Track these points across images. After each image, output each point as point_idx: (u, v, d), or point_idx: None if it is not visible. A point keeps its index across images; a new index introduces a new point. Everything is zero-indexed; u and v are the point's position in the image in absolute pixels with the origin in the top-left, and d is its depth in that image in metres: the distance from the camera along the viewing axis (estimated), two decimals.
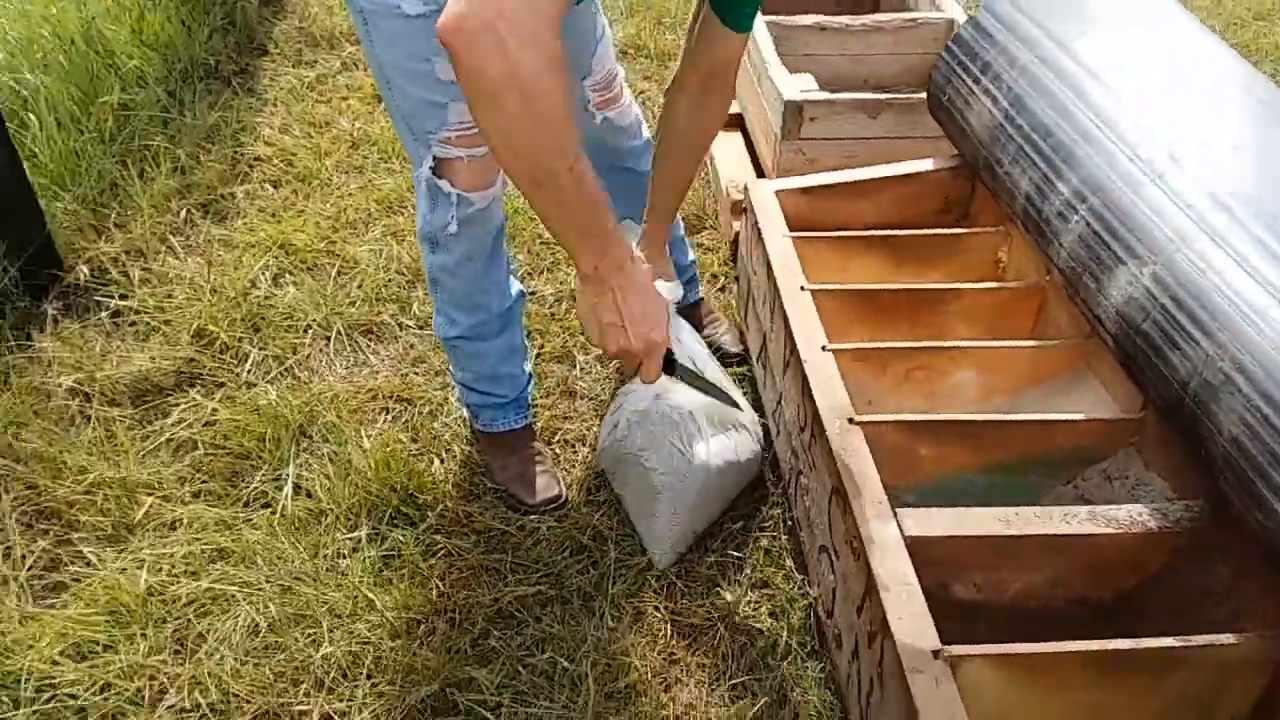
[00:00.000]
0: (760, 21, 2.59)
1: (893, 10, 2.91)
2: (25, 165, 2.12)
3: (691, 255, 2.05)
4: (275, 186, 2.54)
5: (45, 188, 2.26)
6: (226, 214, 2.42)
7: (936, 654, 1.14)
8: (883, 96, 2.25)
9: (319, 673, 1.47)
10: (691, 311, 2.04)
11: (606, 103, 1.71)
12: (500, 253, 1.66)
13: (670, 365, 1.37)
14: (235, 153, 2.62)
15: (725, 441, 1.70)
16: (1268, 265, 1.23)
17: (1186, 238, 1.32)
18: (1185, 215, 1.34)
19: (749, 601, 1.61)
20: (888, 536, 1.28)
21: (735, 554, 1.67)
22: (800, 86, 2.30)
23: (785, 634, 1.55)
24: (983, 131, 1.77)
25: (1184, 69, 1.58)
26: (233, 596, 1.54)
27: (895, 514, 1.30)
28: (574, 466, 1.84)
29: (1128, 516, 1.30)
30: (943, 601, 1.34)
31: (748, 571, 1.65)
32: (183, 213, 2.38)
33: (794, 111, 2.24)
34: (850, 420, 1.44)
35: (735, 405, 1.69)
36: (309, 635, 1.51)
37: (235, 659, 1.47)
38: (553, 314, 2.17)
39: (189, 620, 1.53)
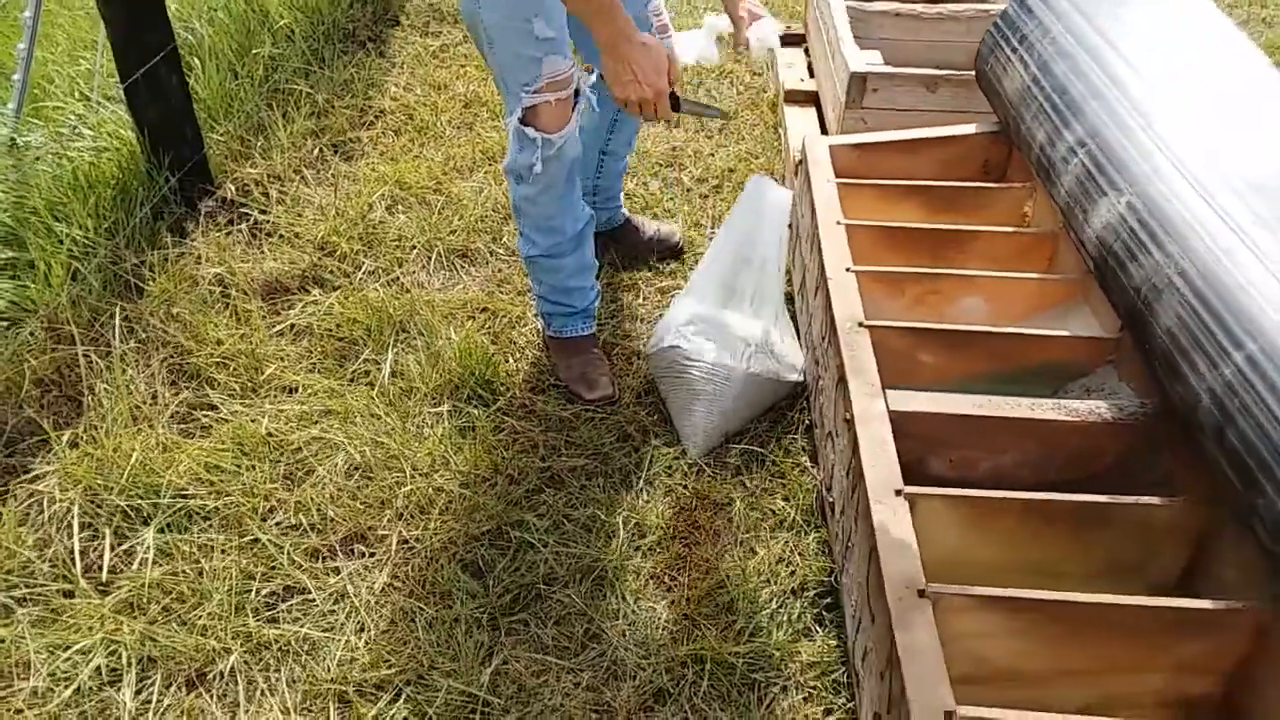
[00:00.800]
0: (841, 4, 2.82)
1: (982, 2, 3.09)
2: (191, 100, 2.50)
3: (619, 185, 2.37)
4: (396, 135, 2.89)
5: (204, 120, 2.65)
6: (352, 154, 2.78)
7: (898, 492, 1.36)
8: (941, 72, 2.45)
9: (400, 506, 1.77)
10: (627, 226, 2.41)
11: (662, 28, 2.00)
12: (574, 182, 1.94)
13: (676, 102, 1.69)
14: (364, 104, 2.98)
15: (766, 360, 1.94)
16: (1226, 195, 1.41)
17: (1161, 174, 1.50)
18: (1164, 156, 1.53)
19: (765, 489, 1.85)
20: (875, 411, 1.50)
21: (760, 449, 1.91)
22: (867, 60, 2.53)
23: (793, 513, 1.78)
24: (1014, 94, 1.97)
25: (1192, 43, 1.75)
26: (335, 443, 1.86)
27: (884, 393, 1.53)
28: (628, 375, 2.10)
29: (1087, 408, 1.49)
30: (920, 475, 1.56)
31: (768, 464, 1.89)
32: (316, 150, 2.75)
33: (858, 81, 2.46)
34: (860, 324, 1.67)
35: (724, 114, 1.96)
36: (395, 478, 1.81)
37: (333, 490, 1.79)
38: (628, 254, 2.44)
39: (299, 459, 1.85)
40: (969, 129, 2.20)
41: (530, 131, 1.76)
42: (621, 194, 2.38)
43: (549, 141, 1.78)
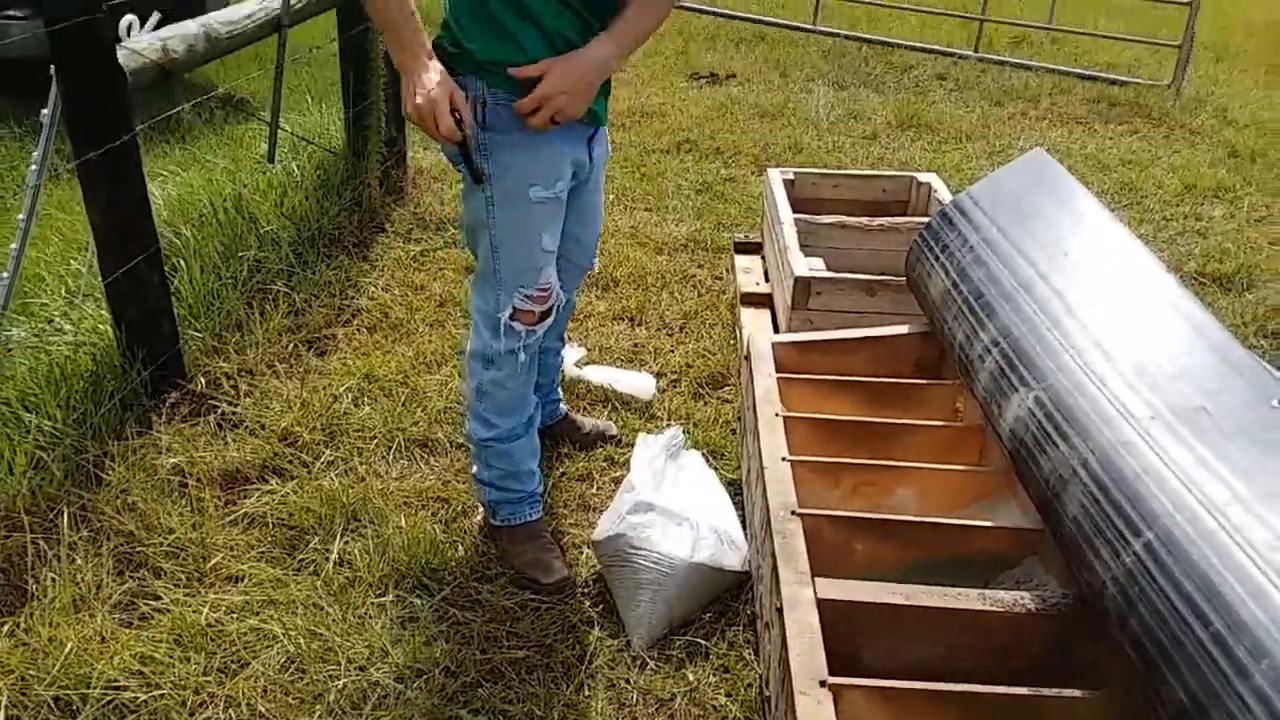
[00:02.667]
0: (789, 216, 3.03)
1: (917, 215, 3.33)
2: (173, 299, 2.64)
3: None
4: (370, 331, 3.02)
5: (183, 316, 2.78)
6: (326, 350, 2.90)
7: (823, 683, 1.36)
8: (879, 277, 2.61)
9: (332, 701, 1.74)
10: (566, 421, 2.51)
11: (594, 254, 2.19)
12: (535, 369, 2.06)
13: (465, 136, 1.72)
14: (342, 303, 3.13)
15: (714, 549, 1.97)
16: (1122, 389, 1.50)
17: (1065, 369, 1.60)
18: (1068, 355, 1.63)
19: (708, 683, 1.83)
20: (803, 598, 1.52)
21: (704, 641, 1.91)
22: (811, 266, 2.69)
23: (735, 708, 1.76)
24: (937, 297, 2.10)
25: (1093, 251, 1.90)
26: (273, 635, 1.85)
27: (814, 581, 1.55)
28: (577, 564, 2.12)
29: (1011, 599, 1.52)
30: (852, 665, 1.56)
31: (712, 657, 1.88)
32: (290, 346, 2.86)
33: (803, 285, 2.62)
34: (793, 512, 1.71)
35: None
36: (330, 671, 1.80)
37: (266, 684, 1.77)
38: (583, 445, 2.51)
39: (235, 651, 1.84)
40: (902, 329, 2.33)
41: (518, 326, 1.90)
42: (559, 388, 2.48)
43: (531, 332, 1.93)
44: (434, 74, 1.68)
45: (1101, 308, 1.72)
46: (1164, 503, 1.29)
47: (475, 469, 2.11)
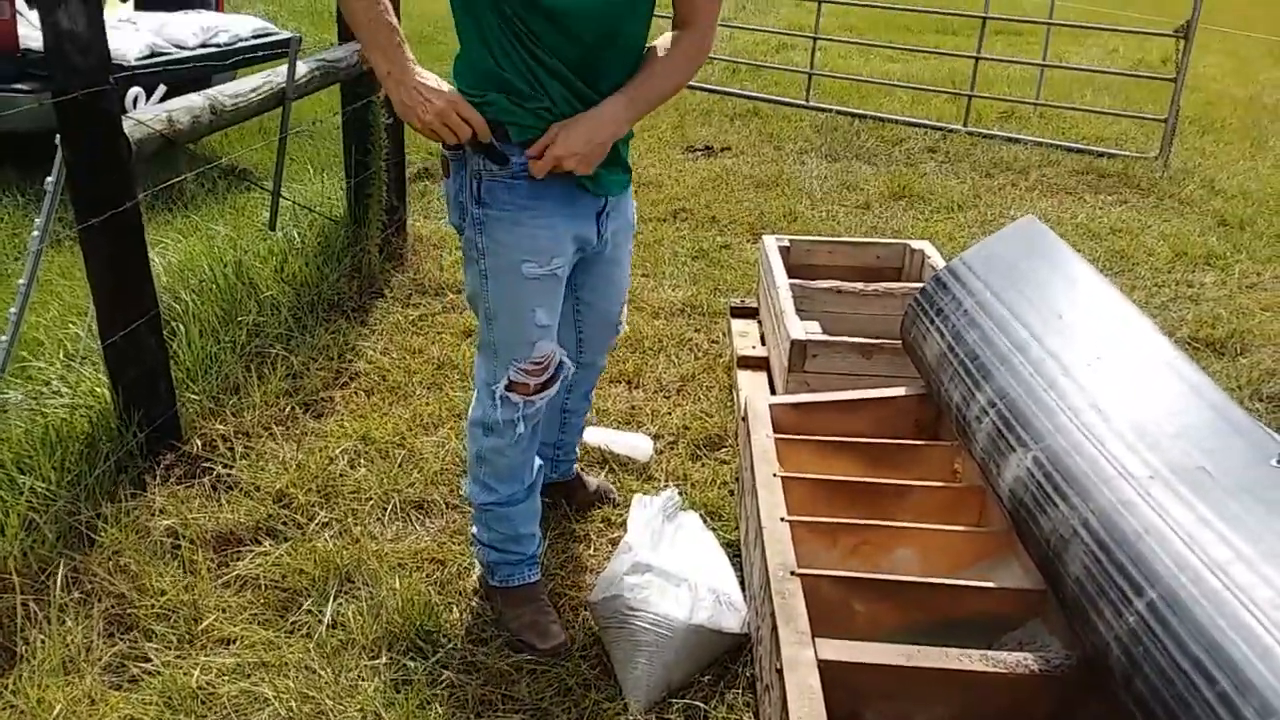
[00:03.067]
0: (785, 281, 3.06)
1: (911, 281, 3.36)
2: (171, 362, 2.65)
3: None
4: (368, 395, 3.02)
5: (181, 380, 2.78)
6: (323, 412, 2.89)
7: None
8: (875, 340, 2.63)
9: None
10: (576, 481, 2.49)
11: (621, 323, 2.17)
12: (539, 434, 2.06)
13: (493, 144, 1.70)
14: (340, 366, 3.14)
15: (712, 611, 1.95)
16: (1121, 449, 1.51)
17: (1062, 429, 1.61)
18: (1065, 415, 1.64)
19: None
20: (804, 660, 1.50)
21: (702, 705, 1.88)
22: (807, 329, 2.71)
23: None
24: (933, 360, 2.12)
25: (1086, 312, 1.92)
26: (264, 698, 1.82)
27: (814, 642, 1.54)
28: (574, 627, 2.09)
29: (1014, 660, 1.50)
30: None
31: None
32: (288, 408, 2.86)
33: (799, 349, 2.64)
34: (792, 572, 1.70)
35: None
36: None
37: None
38: (580, 507, 2.49)
39: (225, 715, 1.80)
40: (900, 391, 2.34)
41: (514, 397, 1.90)
42: (577, 449, 2.47)
43: (530, 402, 1.92)
44: (430, 79, 1.65)
45: (1097, 369, 1.74)
46: (1166, 562, 1.29)
47: (474, 529, 2.10)
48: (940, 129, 6.84)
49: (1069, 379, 1.72)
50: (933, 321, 2.17)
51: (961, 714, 1.52)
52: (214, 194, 4.75)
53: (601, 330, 2.15)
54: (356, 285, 3.75)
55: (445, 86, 1.67)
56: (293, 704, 1.80)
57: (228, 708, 1.81)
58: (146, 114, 2.52)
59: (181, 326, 2.94)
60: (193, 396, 2.76)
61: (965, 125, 6.84)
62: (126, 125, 2.38)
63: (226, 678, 1.87)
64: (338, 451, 2.63)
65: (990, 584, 1.71)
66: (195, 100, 2.73)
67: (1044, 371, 1.76)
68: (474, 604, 2.13)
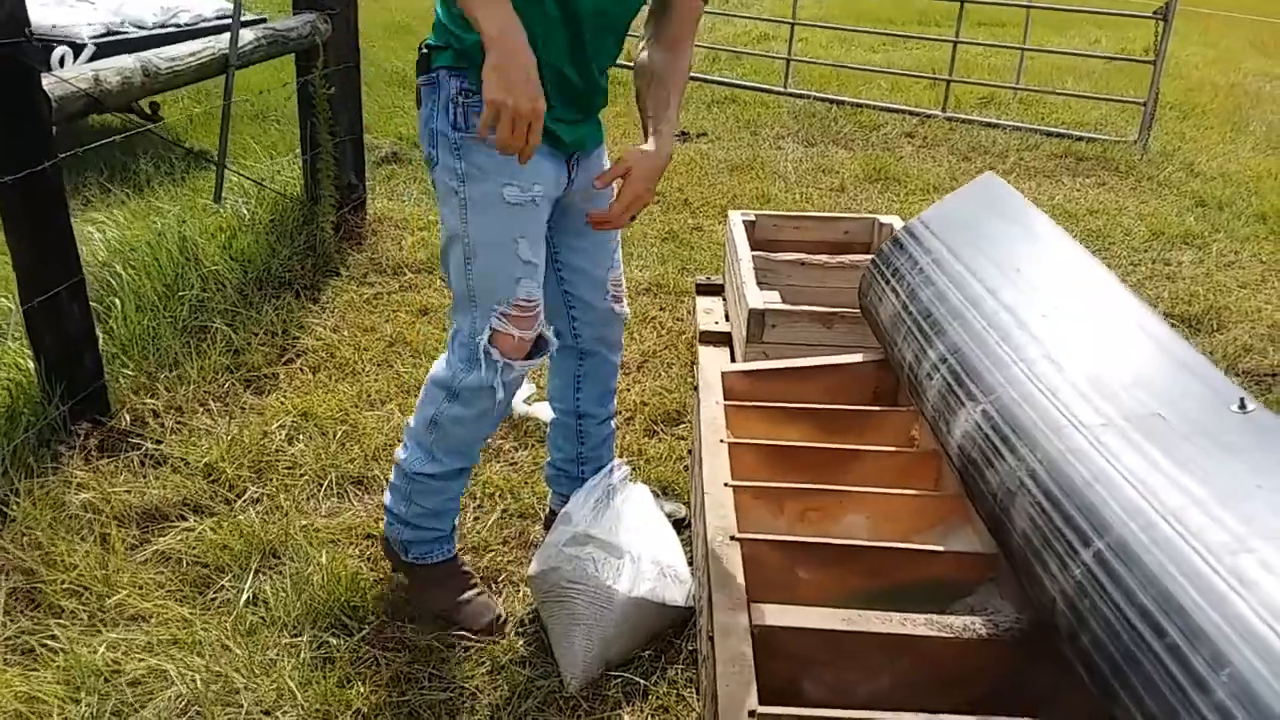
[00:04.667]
0: (748, 254, 2.96)
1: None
2: (101, 335, 2.54)
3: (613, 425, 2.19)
4: (314, 372, 2.91)
5: (113, 354, 2.67)
6: (264, 389, 2.78)
7: (751, 714, 1.24)
8: (835, 310, 2.53)
9: None
10: None
11: (618, 297, 1.98)
12: (503, 414, 1.87)
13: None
14: (286, 343, 3.02)
15: (655, 583, 1.85)
16: (1074, 398, 1.41)
17: (1014, 382, 1.51)
18: (1017, 367, 1.54)
19: None
20: (737, 626, 1.40)
21: (643, 680, 1.77)
22: (765, 299, 2.61)
23: None
24: (888, 321, 2.02)
25: (1047, 268, 1.82)
26: (173, 676, 1.70)
27: (749, 608, 1.44)
28: (513, 601, 1.99)
29: (960, 624, 1.40)
30: (796, 701, 1.44)
31: (650, 699, 1.74)
32: (227, 384, 2.75)
33: (757, 318, 2.53)
34: (732, 537, 1.60)
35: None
36: (229, 715, 1.65)
37: None
38: (527, 480, 2.39)
39: (130, 694, 1.69)
40: (857, 357, 2.25)
41: (496, 354, 1.71)
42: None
43: (510, 367, 1.73)
44: (527, 70, 1.45)
45: (1055, 320, 1.64)
46: (1116, 510, 1.19)
47: (389, 500, 1.91)
48: (919, 114, 6.76)
49: (1023, 331, 1.62)
50: (888, 282, 2.07)
51: (906, 681, 1.42)
52: (172, 177, 4.62)
53: (593, 299, 1.93)
54: (310, 263, 3.63)
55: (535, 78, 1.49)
56: (199, 682, 1.69)
57: (138, 687, 1.70)
58: (70, 73, 2.40)
59: (117, 300, 2.83)
60: (126, 371, 2.64)
61: (944, 110, 6.76)
62: (48, 83, 2.26)
63: (134, 655, 1.76)
64: (275, 427, 2.52)
65: (940, 548, 1.61)
66: (126, 61, 2.61)
67: (998, 324, 1.67)
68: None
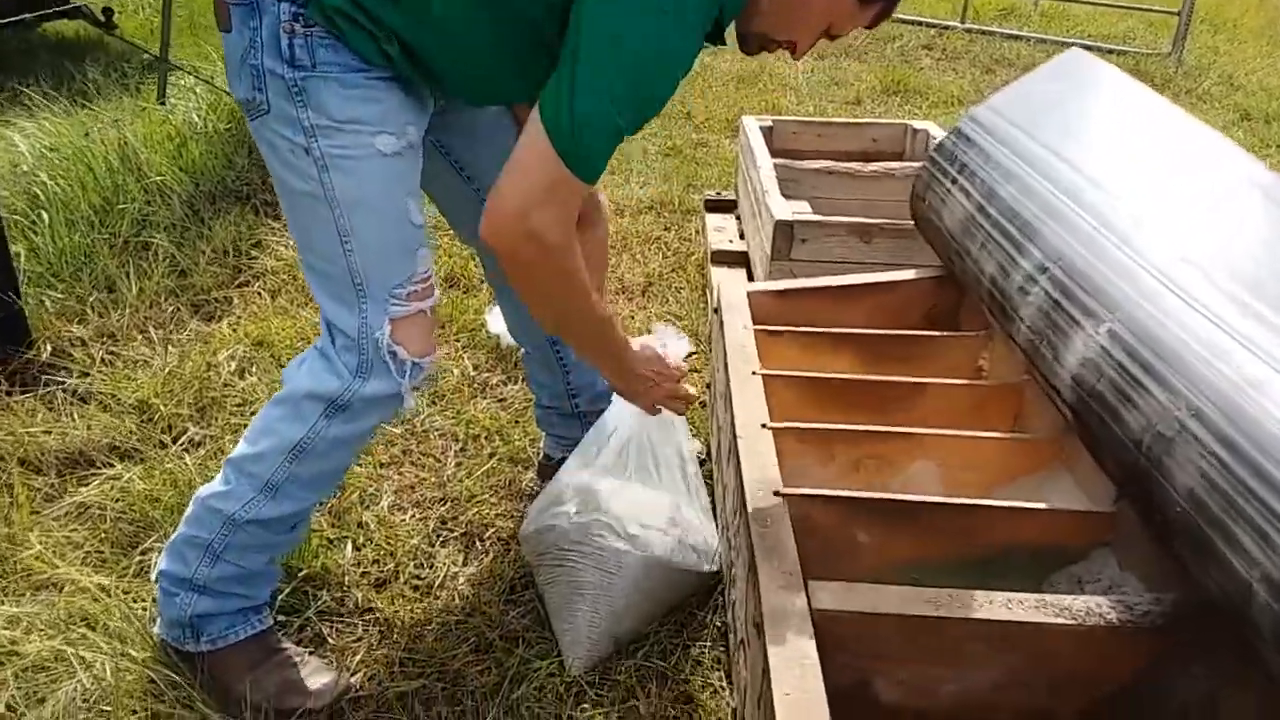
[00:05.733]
0: (768, 161, 2.59)
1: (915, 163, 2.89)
2: (24, 255, 2.17)
3: None
4: (272, 295, 2.54)
5: (40, 276, 2.30)
6: (215, 314, 2.42)
7: None
8: (876, 221, 2.17)
9: None
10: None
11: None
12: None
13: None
14: (242, 264, 2.65)
15: (672, 544, 1.52)
16: (1234, 313, 1.07)
17: (1147, 294, 1.17)
18: (1148, 273, 1.19)
19: (667, 716, 1.38)
20: (792, 610, 1.07)
21: (660, 662, 1.46)
22: (794, 209, 2.25)
23: None
24: (956, 228, 1.67)
25: (1161, 146, 1.47)
26: (82, 661, 1.38)
27: (806, 586, 1.11)
28: (502, 561, 1.66)
29: (1083, 607, 1.08)
30: (862, 704, 1.12)
31: (670, 684, 1.43)
32: (171, 309, 2.39)
33: (784, 231, 2.17)
34: (776, 493, 1.27)
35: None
36: (150, 707, 1.33)
37: None
38: (518, 419, 2.05)
39: (30, 683, 1.36)
40: (909, 273, 1.90)
41: (403, 352, 1.29)
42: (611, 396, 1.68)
43: (418, 367, 1.32)
44: (651, 363, 1.48)
45: (1185, 210, 1.29)
46: None
47: (175, 564, 1.36)
48: (936, 25, 6.32)
49: (1147, 229, 1.27)
50: (954, 181, 1.71)
51: (1010, 679, 1.10)
52: (125, 86, 4.19)
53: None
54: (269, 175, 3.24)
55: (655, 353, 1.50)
56: (107, 671, 1.36)
57: (41, 674, 1.37)
58: None
59: (44, 215, 2.45)
60: (51, 293, 2.28)
61: (963, 22, 6.32)
62: None
63: (38, 634, 1.43)
64: (224, 357, 2.16)
65: (1041, 505, 1.28)
66: None
67: (1111, 221, 1.31)
68: (375, 537, 1.69)
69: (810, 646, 1.02)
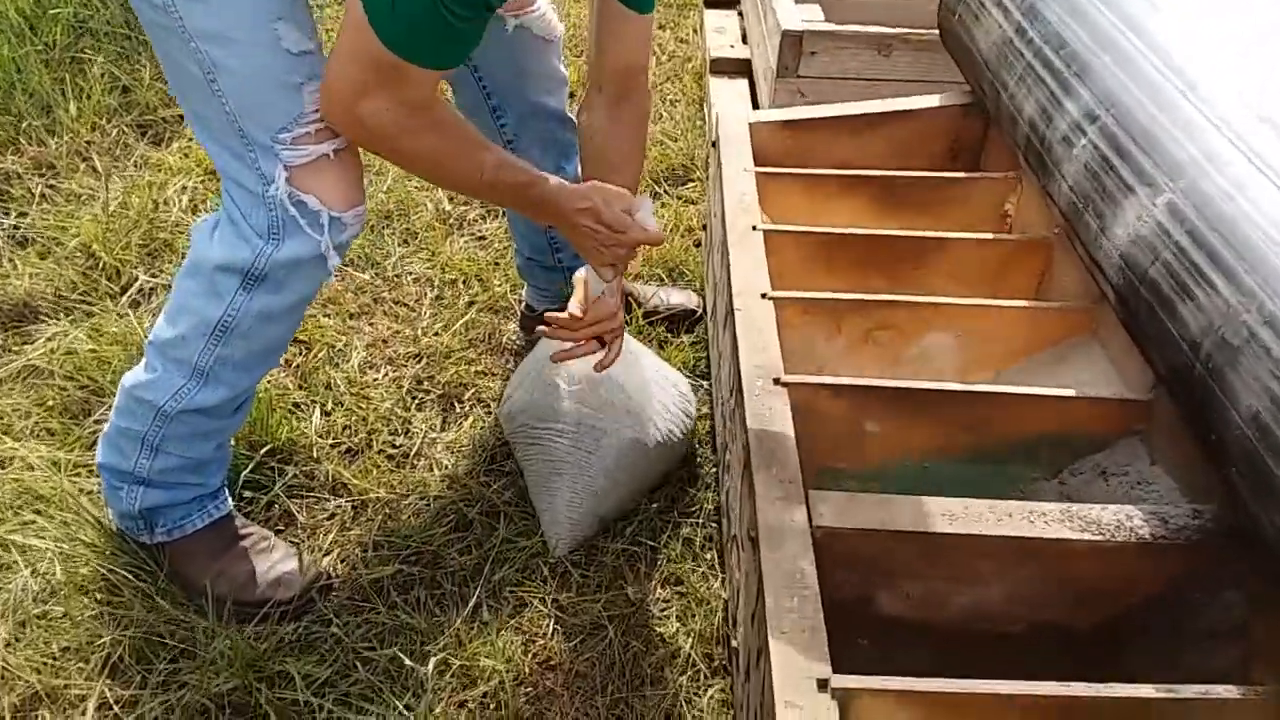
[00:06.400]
0: None
1: None
2: None
3: None
4: None
5: None
6: (165, 136, 2.21)
7: (823, 685, 0.83)
8: (896, 30, 1.92)
9: (109, 652, 1.21)
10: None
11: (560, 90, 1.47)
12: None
13: None
14: None
15: (649, 415, 1.41)
16: None
17: (1217, 159, 0.99)
18: (1219, 132, 1.01)
19: (655, 600, 1.32)
20: (791, 525, 0.97)
21: (649, 542, 1.38)
22: (803, 16, 1.99)
23: (690, 643, 1.25)
24: (990, 52, 1.45)
25: None
26: (33, 552, 1.30)
27: (807, 497, 1.00)
28: (482, 426, 1.56)
29: (1113, 520, 0.98)
30: (863, 618, 1.04)
31: (660, 564, 1.36)
32: (115, 132, 2.17)
33: (792, 43, 1.93)
34: (776, 381, 1.14)
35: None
36: (107, 606, 1.26)
37: (13, 629, 1.23)
38: (498, 260, 1.90)
39: None
40: (932, 100, 1.69)
41: (313, 201, 1.11)
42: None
43: (338, 223, 1.14)
44: (604, 214, 1.19)
45: (1266, 55, 1.09)
46: None
47: (112, 455, 1.26)
48: None
49: (1220, 76, 1.07)
50: None
51: (1025, 592, 1.02)
52: None
53: (520, 88, 1.43)
54: None
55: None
56: (56, 567, 1.28)
57: None
58: None
59: None
60: None
61: None
62: None
63: None
64: (173, 191, 1.98)
65: (1069, 392, 1.15)
66: None
67: (1177, 64, 1.11)
68: (345, 400, 1.58)
69: (810, 570, 0.93)
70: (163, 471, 1.24)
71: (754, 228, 1.40)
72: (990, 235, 1.43)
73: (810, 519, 0.98)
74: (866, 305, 1.30)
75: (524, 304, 1.74)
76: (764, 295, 1.27)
